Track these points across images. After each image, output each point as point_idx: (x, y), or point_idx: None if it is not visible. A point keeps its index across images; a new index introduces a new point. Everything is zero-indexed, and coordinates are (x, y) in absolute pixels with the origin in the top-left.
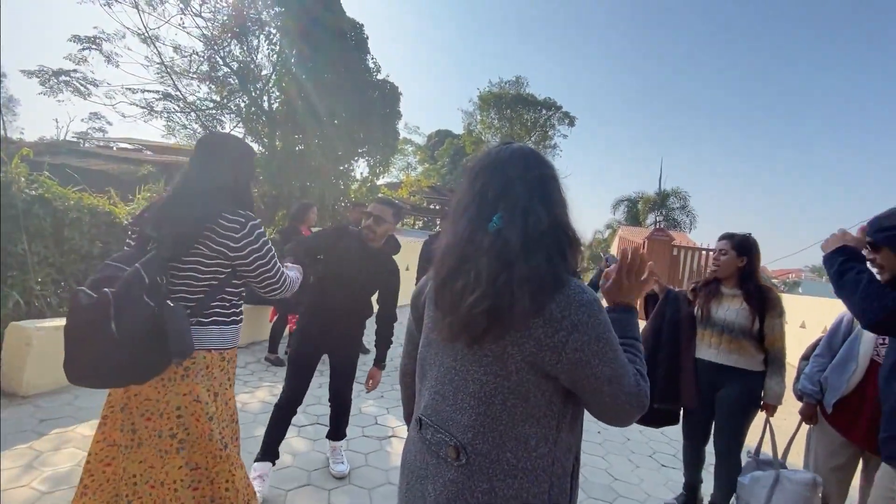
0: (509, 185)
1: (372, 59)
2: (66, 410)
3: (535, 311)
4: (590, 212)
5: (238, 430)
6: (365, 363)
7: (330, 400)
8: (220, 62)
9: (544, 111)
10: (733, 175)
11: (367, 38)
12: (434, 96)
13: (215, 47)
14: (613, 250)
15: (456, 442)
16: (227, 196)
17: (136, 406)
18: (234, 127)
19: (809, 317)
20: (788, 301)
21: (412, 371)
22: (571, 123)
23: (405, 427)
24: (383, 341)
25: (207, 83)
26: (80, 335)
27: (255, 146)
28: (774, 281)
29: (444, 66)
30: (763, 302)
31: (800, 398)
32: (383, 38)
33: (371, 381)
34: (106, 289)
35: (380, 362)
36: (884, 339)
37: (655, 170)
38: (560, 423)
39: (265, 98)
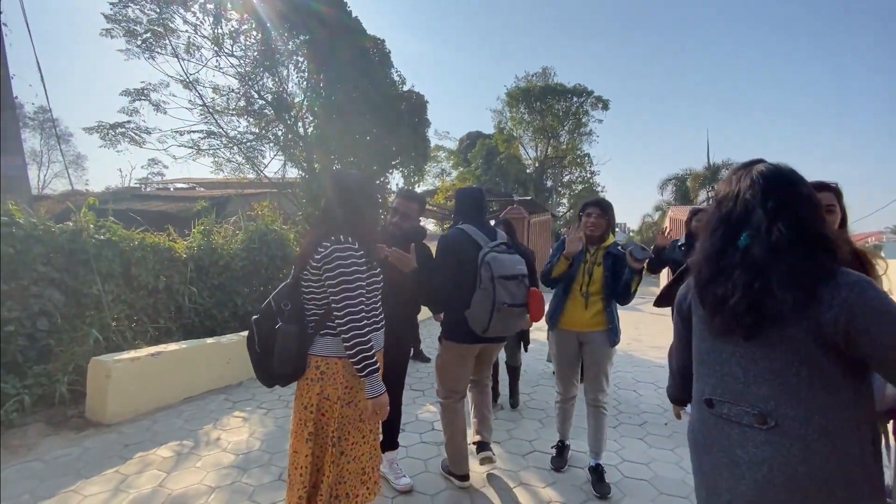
0: (750, 211)
1: (396, 72)
2: (145, 435)
3: (806, 299)
4: (635, 196)
5: (377, 426)
6: (418, 370)
7: None
8: (256, 95)
9: (575, 99)
10: (789, 139)
11: (390, 52)
12: (461, 99)
13: (250, 82)
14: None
15: (758, 410)
16: (338, 225)
17: (296, 399)
18: (275, 156)
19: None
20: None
21: (688, 364)
22: (605, 107)
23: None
24: None
25: (246, 117)
26: (248, 349)
27: (295, 171)
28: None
29: (468, 67)
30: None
31: None
32: (405, 49)
33: None
34: (254, 316)
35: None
36: None
37: (702, 144)
38: (857, 390)
39: (300, 124)
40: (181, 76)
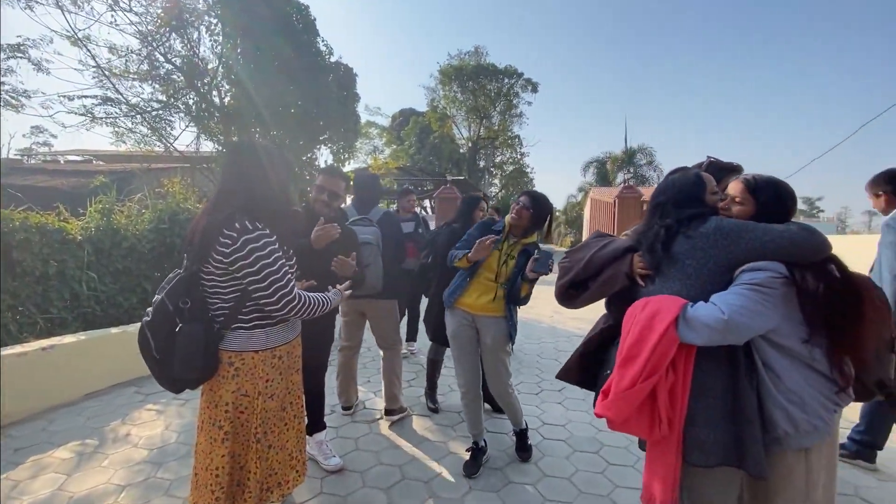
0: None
1: (323, 41)
2: (41, 437)
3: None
4: (562, 176)
5: (301, 410)
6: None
7: (304, 388)
8: (161, 59)
9: (506, 80)
10: (694, 127)
11: (315, 20)
12: (392, 75)
13: (154, 43)
14: (586, 211)
15: None
16: (240, 207)
17: (204, 396)
18: (186, 127)
19: None
20: None
21: None
22: (535, 90)
23: (393, 409)
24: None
25: (150, 82)
26: (142, 355)
27: (210, 144)
28: None
29: (399, 43)
30: None
31: None
32: (332, 20)
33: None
34: (144, 318)
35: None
36: None
37: (621, 130)
38: None
39: (215, 93)
40: (68, 31)
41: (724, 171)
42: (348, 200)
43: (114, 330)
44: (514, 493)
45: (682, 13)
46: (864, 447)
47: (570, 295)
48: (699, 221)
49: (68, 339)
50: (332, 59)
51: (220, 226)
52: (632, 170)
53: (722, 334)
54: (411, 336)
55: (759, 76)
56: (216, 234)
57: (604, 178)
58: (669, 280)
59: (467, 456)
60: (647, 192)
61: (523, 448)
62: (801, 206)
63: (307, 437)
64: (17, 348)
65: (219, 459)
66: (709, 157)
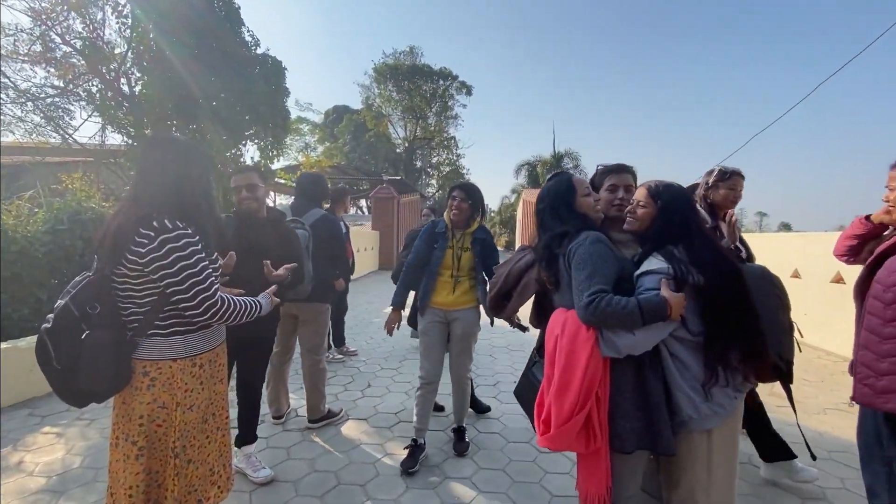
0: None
1: (248, 31)
2: None
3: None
4: (497, 178)
5: (225, 421)
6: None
7: (239, 400)
8: (58, 40)
9: (441, 81)
10: (612, 130)
11: (239, 7)
12: (324, 71)
13: (49, 22)
14: (519, 212)
15: None
16: (157, 206)
17: (116, 410)
18: (89, 116)
19: None
20: None
21: None
22: (469, 93)
23: (330, 417)
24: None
25: (44, 66)
26: (41, 366)
27: (119, 137)
28: None
29: (331, 38)
30: None
31: None
32: (258, 10)
33: None
34: (44, 325)
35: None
36: None
37: (550, 134)
38: None
39: (123, 80)
40: None
41: (606, 174)
42: (279, 199)
43: (3, 345)
44: (450, 488)
45: (599, 19)
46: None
47: (500, 305)
48: (568, 240)
49: None
50: (259, 51)
51: (135, 225)
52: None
53: (641, 345)
54: (339, 341)
55: (674, 80)
56: (131, 233)
57: (535, 181)
58: (565, 292)
59: (405, 454)
60: None
61: (461, 440)
62: None
63: (235, 449)
64: None
65: (132, 477)
66: (719, 167)
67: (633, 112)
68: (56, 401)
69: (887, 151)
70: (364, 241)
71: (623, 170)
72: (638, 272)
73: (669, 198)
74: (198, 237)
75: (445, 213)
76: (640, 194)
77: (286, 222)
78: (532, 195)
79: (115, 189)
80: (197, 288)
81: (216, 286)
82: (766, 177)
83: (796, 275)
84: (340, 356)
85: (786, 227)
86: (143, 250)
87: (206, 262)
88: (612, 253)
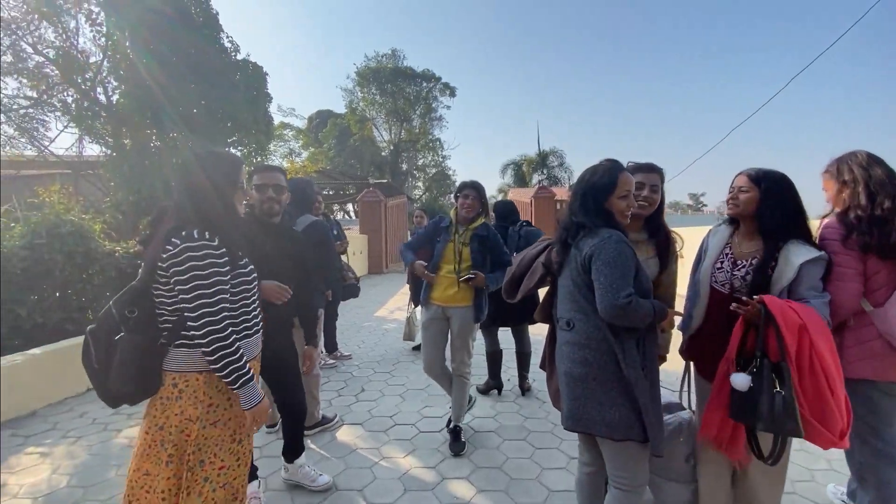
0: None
1: (228, 37)
2: None
3: (574, 243)
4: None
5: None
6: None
7: (282, 413)
8: (29, 49)
9: (424, 83)
10: (600, 127)
11: (217, 13)
12: (306, 75)
13: (19, 32)
14: None
15: (565, 318)
16: (187, 217)
17: (148, 419)
18: (65, 127)
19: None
20: None
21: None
22: (452, 94)
23: (325, 423)
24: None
25: (15, 76)
26: (84, 365)
27: (97, 148)
28: None
29: (311, 42)
30: (668, 248)
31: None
32: (236, 17)
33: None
34: (89, 326)
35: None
36: (721, 264)
37: (534, 133)
38: None
39: (100, 90)
40: None
41: (635, 171)
42: None
43: None
44: (448, 488)
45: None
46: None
47: (512, 288)
48: (583, 233)
49: None
50: (239, 57)
51: (168, 233)
52: (545, 171)
53: None
54: (331, 347)
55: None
56: (163, 241)
57: (521, 180)
58: (567, 277)
59: (401, 457)
60: (560, 193)
61: (456, 440)
62: (687, 200)
63: (288, 465)
64: None
65: (164, 482)
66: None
67: (618, 107)
68: (39, 420)
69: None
70: (352, 245)
71: (652, 169)
72: (801, 260)
73: (772, 182)
74: (223, 249)
75: (452, 210)
76: (740, 181)
77: (299, 232)
78: (519, 194)
79: (95, 201)
80: (201, 301)
81: (224, 309)
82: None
83: None
84: (333, 361)
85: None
86: (166, 255)
87: (224, 280)
88: (633, 254)
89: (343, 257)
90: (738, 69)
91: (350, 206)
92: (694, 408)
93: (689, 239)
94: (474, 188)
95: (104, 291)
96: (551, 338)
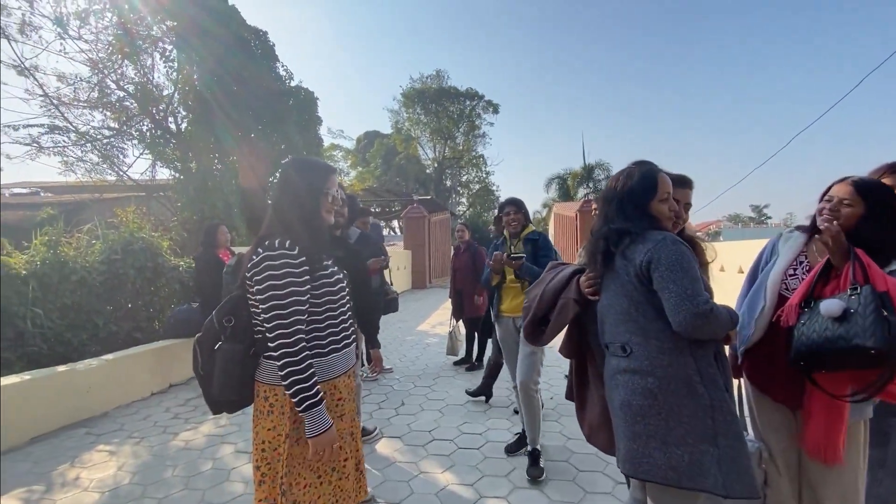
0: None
1: (282, 66)
2: None
3: (626, 250)
4: (527, 193)
5: (343, 464)
6: None
7: None
8: (113, 86)
9: (468, 102)
10: (645, 139)
11: (274, 45)
12: (354, 98)
13: (105, 71)
14: (550, 227)
15: (620, 343)
16: (272, 228)
17: (252, 434)
18: (140, 154)
19: (727, 260)
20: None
21: None
22: (496, 111)
23: (365, 435)
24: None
25: (101, 110)
26: (194, 373)
27: (167, 171)
28: (699, 234)
29: (359, 66)
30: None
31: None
32: (290, 46)
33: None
34: (197, 335)
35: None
36: (794, 271)
37: (579, 146)
38: None
39: (171, 119)
40: (13, 61)
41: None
42: None
43: (61, 368)
44: None
45: (621, 28)
46: None
47: (536, 332)
48: (629, 239)
49: (11, 380)
50: (292, 84)
51: (257, 243)
52: (591, 185)
53: None
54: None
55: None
56: (252, 251)
57: (566, 194)
58: (614, 295)
59: (439, 473)
60: None
61: (534, 467)
62: (748, 213)
63: None
64: None
65: None
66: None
67: (667, 120)
68: (110, 420)
69: None
70: (396, 261)
71: (684, 184)
72: None
73: (880, 195)
74: (302, 259)
75: (497, 227)
76: (843, 191)
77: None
78: (564, 208)
79: (164, 220)
80: (275, 312)
81: (298, 322)
82: (815, 173)
83: None
84: (374, 374)
85: None
86: (250, 265)
87: (300, 291)
88: (694, 256)
89: (385, 273)
90: (798, 78)
91: (395, 223)
92: (750, 433)
93: (751, 252)
94: (514, 204)
95: (169, 303)
96: (579, 369)
